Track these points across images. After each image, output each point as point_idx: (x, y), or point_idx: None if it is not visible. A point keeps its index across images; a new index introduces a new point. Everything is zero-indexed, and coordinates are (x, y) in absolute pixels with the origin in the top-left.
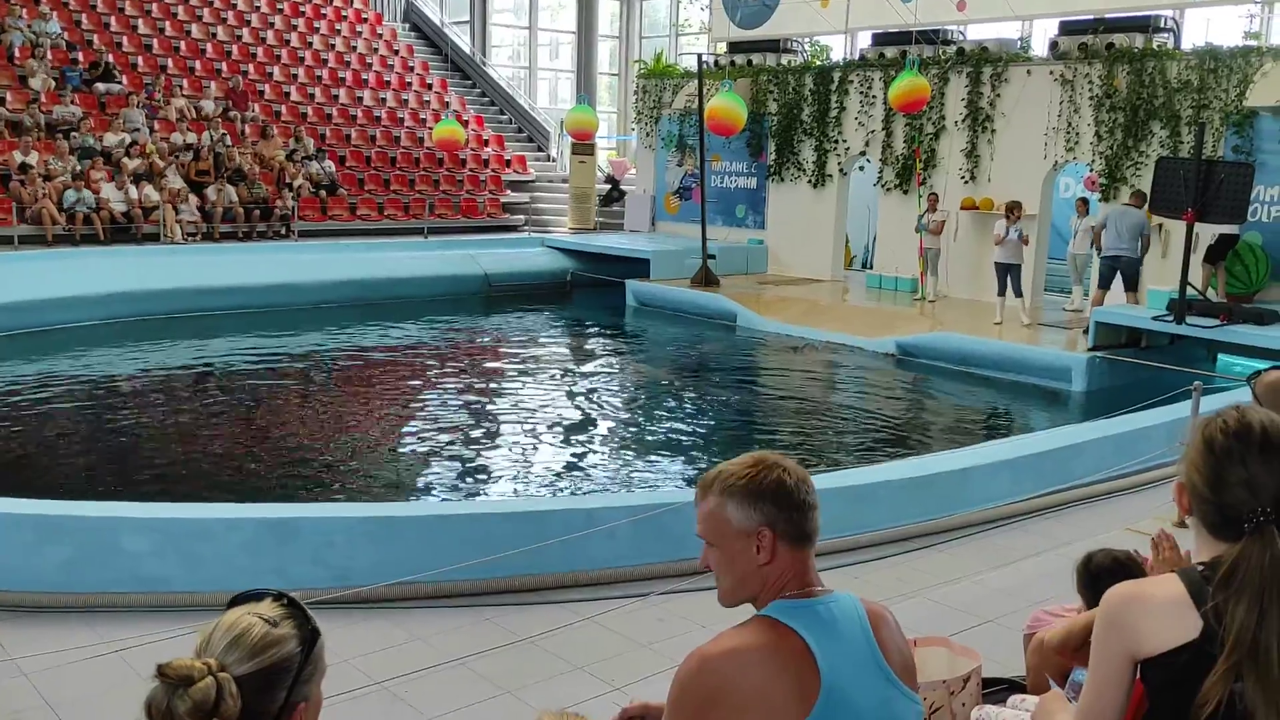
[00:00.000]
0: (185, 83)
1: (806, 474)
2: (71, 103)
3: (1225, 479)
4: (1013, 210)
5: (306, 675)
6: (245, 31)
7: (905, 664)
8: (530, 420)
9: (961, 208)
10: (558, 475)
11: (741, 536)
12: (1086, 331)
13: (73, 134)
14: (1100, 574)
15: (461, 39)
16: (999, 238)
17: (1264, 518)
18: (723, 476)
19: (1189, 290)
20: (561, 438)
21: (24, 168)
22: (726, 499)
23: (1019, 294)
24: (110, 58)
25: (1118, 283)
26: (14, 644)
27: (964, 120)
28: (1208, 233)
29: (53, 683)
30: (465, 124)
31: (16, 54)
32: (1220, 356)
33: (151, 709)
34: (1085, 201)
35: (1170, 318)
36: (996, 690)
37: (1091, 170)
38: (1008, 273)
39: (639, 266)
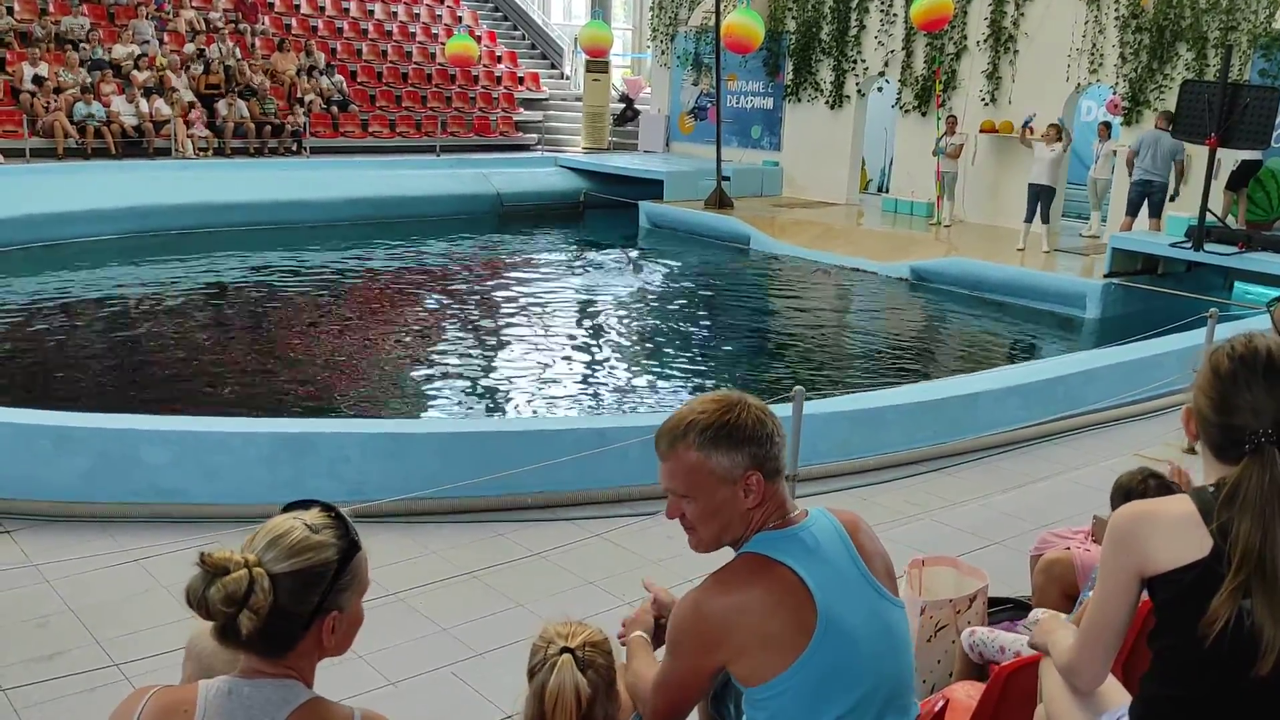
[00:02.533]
0: None
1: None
2: (79, 13)
3: (1230, 402)
4: (1053, 131)
5: (343, 585)
6: None
7: (886, 567)
8: (542, 340)
9: (980, 130)
10: (569, 395)
11: (727, 484)
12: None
13: (82, 45)
14: (1149, 496)
15: None
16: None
17: (1264, 439)
18: (698, 426)
19: (1209, 217)
20: (573, 358)
21: (37, 80)
22: (709, 448)
23: (1046, 219)
24: None
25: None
26: (36, 552)
27: (986, 40)
28: (1230, 159)
29: (75, 589)
30: (478, 40)
31: None
32: (1236, 284)
33: (189, 595)
34: (1108, 125)
35: (1188, 244)
36: (1002, 609)
37: (1115, 93)
38: (1039, 196)
39: (653, 187)
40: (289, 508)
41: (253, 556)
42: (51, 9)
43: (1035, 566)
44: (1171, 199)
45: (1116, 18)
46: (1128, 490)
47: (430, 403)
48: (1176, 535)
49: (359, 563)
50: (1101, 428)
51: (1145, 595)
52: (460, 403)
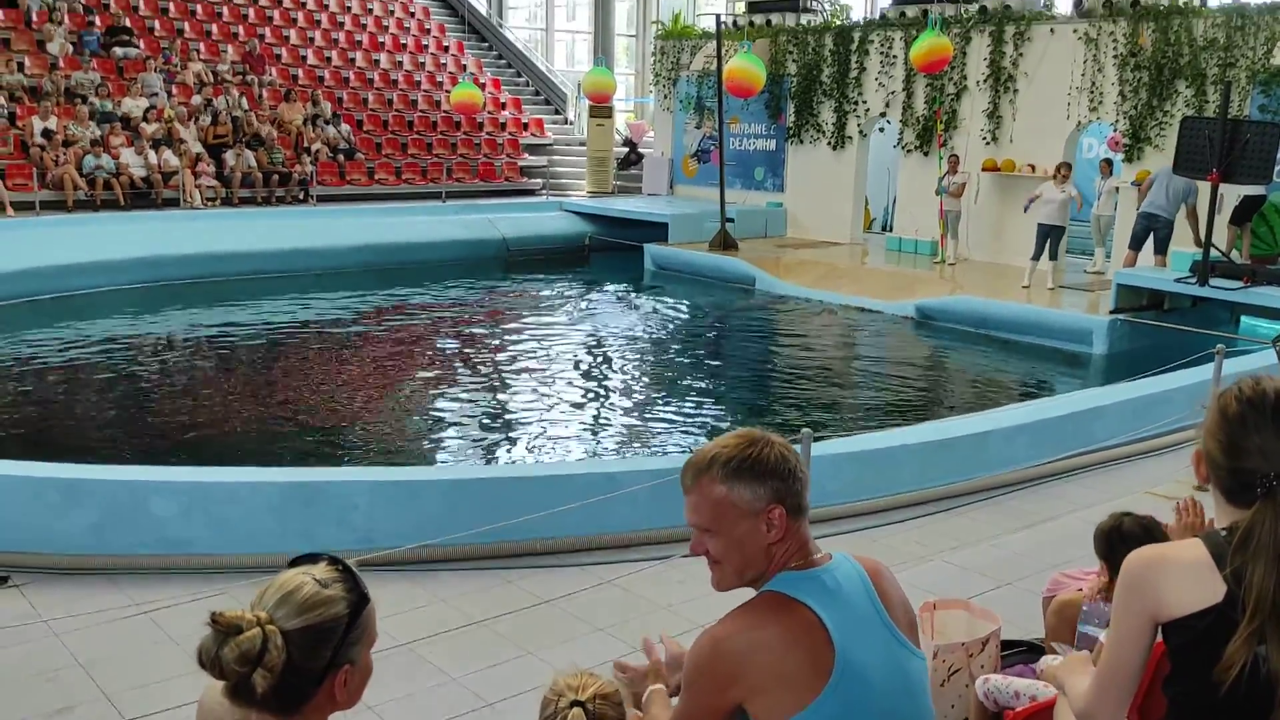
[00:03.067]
0: (202, 46)
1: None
2: (90, 68)
3: (1240, 445)
4: (1060, 171)
5: (353, 638)
6: None
7: (908, 617)
8: (550, 384)
9: (983, 169)
10: (578, 438)
11: (749, 517)
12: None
13: (91, 99)
14: (1128, 539)
15: (478, 0)
16: (1037, 196)
17: (1275, 482)
18: (721, 459)
19: (1213, 252)
20: (581, 401)
21: (46, 134)
22: (732, 481)
23: (1054, 257)
24: (127, 21)
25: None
26: (45, 605)
27: (986, 80)
28: (1233, 194)
29: (84, 643)
30: (482, 87)
31: (34, 18)
32: (1243, 319)
33: (202, 655)
34: (1109, 162)
35: (1193, 279)
36: (1015, 652)
37: (1115, 130)
38: (1049, 235)
39: (657, 230)
40: (296, 562)
41: (264, 614)
42: (62, 64)
43: (1048, 608)
44: (1196, 242)
45: (1115, 56)
46: (1107, 533)
47: (439, 448)
48: (1190, 581)
49: (369, 615)
50: (1112, 465)
51: (1160, 637)
52: (469, 448)
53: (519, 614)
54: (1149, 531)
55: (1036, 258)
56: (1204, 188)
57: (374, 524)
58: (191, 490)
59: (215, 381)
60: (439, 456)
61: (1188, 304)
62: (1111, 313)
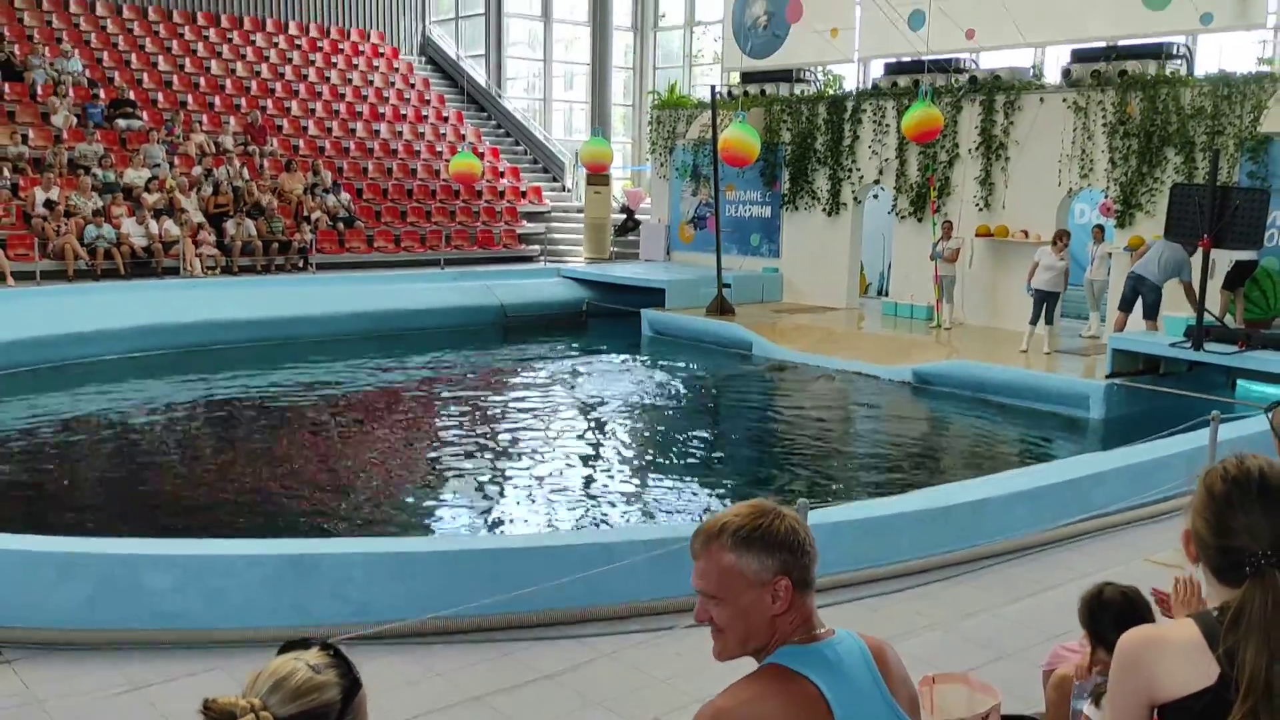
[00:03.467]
0: (205, 118)
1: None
2: (93, 140)
3: (1227, 525)
4: (1059, 239)
5: None
6: (264, 67)
7: (909, 694)
8: (548, 451)
9: (976, 235)
10: (576, 507)
11: (756, 587)
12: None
13: (94, 170)
14: (1108, 607)
15: (477, 72)
16: (1035, 264)
17: (1265, 561)
18: (730, 528)
19: (1207, 316)
20: (580, 469)
21: (49, 204)
22: (741, 550)
23: (1050, 321)
24: (131, 94)
25: (1138, 309)
26: (37, 682)
27: (978, 148)
28: (1225, 258)
29: None
30: (481, 156)
31: (39, 91)
32: (1239, 382)
33: None
34: (1101, 228)
35: (1188, 344)
36: None
37: (1107, 196)
38: (1045, 300)
39: (654, 296)
40: (288, 647)
41: (257, 701)
42: (66, 136)
43: (1047, 682)
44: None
45: (1104, 124)
46: (1088, 602)
47: (436, 517)
48: (1183, 662)
49: (361, 701)
50: (1111, 532)
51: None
52: (466, 516)
53: (517, 690)
54: (1130, 600)
55: (1034, 322)
56: (1197, 256)
57: (369, 597)
58: (185, 563)
59: (213, 450)
60: (436, 525)
61: (1184, 368)
62: (1107, 377)
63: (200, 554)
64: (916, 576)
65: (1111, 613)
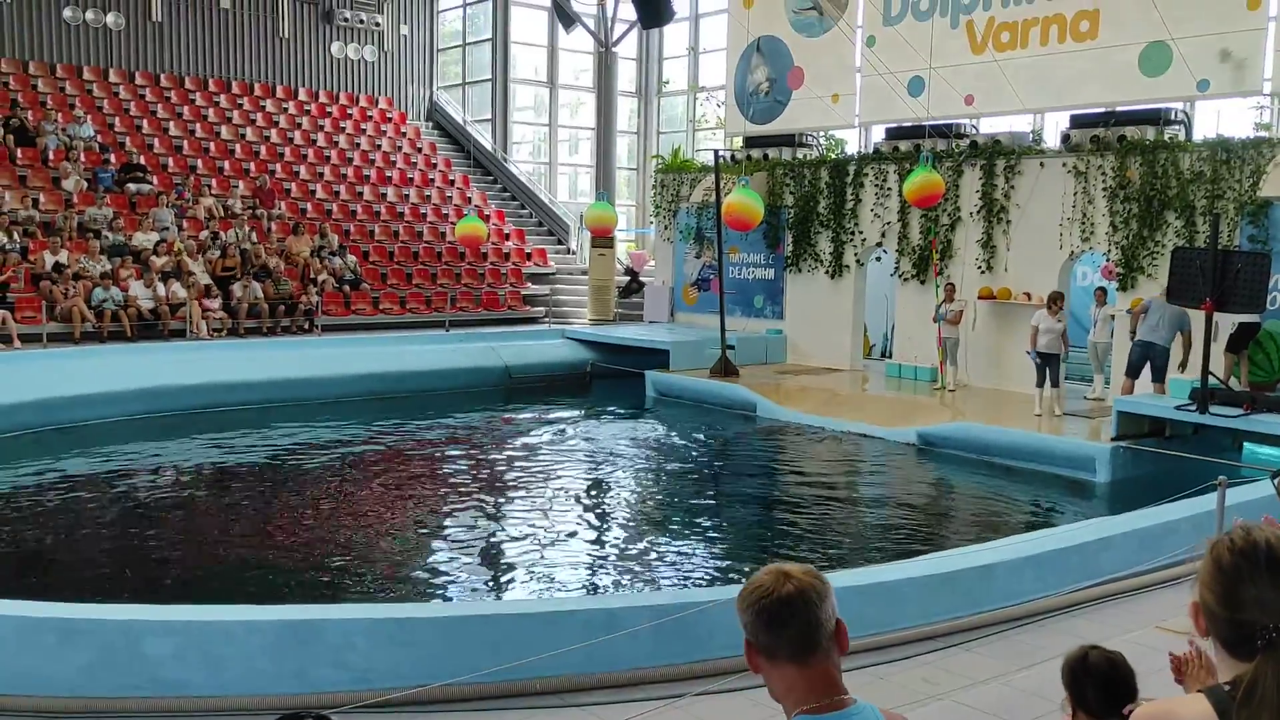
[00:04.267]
0: (214, 182)
1: (810, 587)
2: (103, 204)
3: (1236, 598)
4: (1055, 301)
5: None
6: (273, 132)
7: None
8: (551, 515)
9: (979, 297)
10: (580, 572)
11: (756, 654)
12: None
13: (104, 233)
14: (1092, 672)
15: (483, 136)
16: (1035, 329)
17: (1276, 634)
18: (741, 601)
19: (1211, 379)
20: (583, 532)
21: (57, 267)
22: (739, 613)
23: (1055, 384)
24: (142, 159)
25: (1146, 372)
26: None
27: (979, 211)
28: (1228, 321)
29: None
30: (486, 219)
31: (51, 157)
32: (1246, 445)
33: None
34: (1104, 290)
35: (1193, 407)
36: None
37: (1108, 259)
38: (1048, 363)
39: (658, 357)
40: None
41: None
42: (76, 200)
43: None
44: (1180, 367)
45: (1104, 188)
46: (1072, 666)
47: (438, 582)
48: None
49: None
50: (1120, 598)
51: None
52: (469, 581)
53: None
54: (1115, 666)
55: (1040, 384)
56: (1198, 316)
57: (371, 664)
58: (185, 630)
59: (216, 514)
60: (438, 590)
61: (1189, 431)
62: (1113, 440)
63: (200, 620)
64: (924, 643)
65: (1096, 678)
